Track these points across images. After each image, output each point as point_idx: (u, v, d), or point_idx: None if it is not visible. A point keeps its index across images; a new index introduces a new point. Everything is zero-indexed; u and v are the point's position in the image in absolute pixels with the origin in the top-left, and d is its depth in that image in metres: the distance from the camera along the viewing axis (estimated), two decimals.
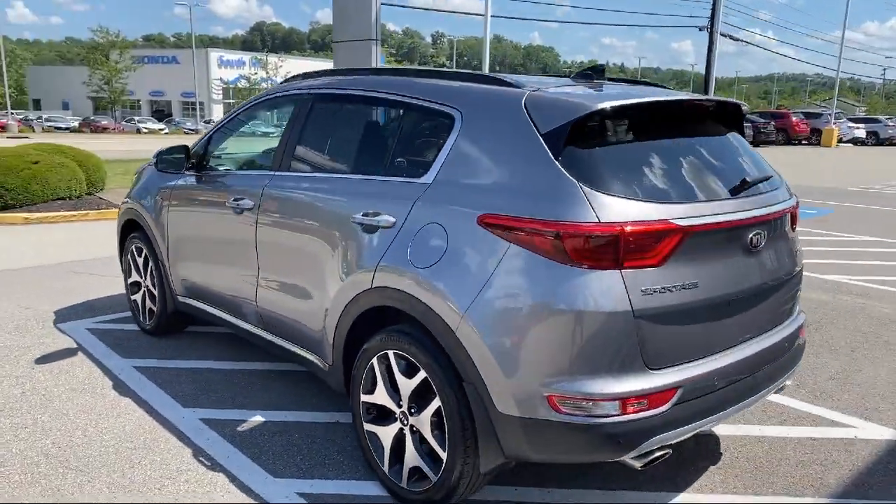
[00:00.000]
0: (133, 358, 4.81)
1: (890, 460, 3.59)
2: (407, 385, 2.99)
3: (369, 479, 3.28)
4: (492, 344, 2.64)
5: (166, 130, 52.00)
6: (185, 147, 4.58)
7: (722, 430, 3.87)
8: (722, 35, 30.52)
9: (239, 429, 3.82)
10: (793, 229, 3.30)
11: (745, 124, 3.55)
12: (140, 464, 3.43)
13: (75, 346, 5.05)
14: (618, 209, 2.55)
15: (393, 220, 3.07)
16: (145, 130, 49.99)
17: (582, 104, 2.71)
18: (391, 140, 3.39)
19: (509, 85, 3.01)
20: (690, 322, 2.71)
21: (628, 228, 2.51)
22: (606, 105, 2.70)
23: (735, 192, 2.91)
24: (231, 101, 67.11)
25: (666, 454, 2.75)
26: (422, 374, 2.90)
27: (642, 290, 2.54)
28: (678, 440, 2.76)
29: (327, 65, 56.51)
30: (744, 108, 3.43)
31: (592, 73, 3.30)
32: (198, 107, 65.07)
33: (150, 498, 3.14)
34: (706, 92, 27.22)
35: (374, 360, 3.12)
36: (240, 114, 4.58)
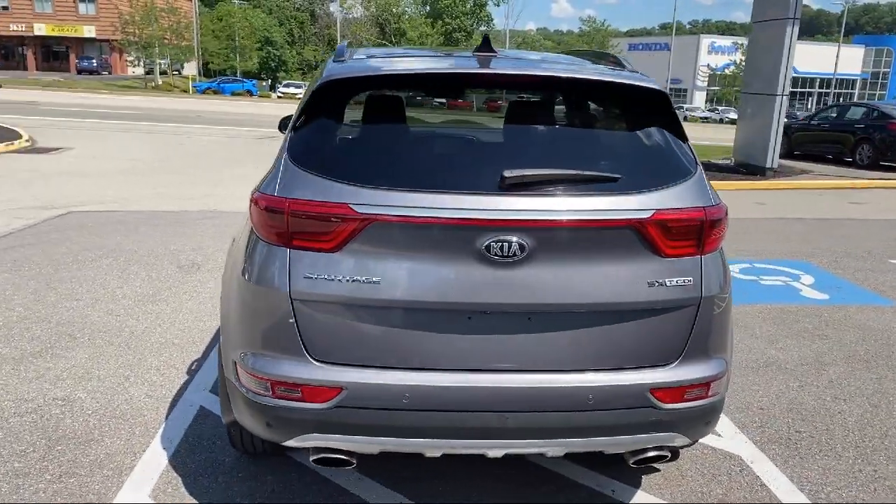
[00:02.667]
0: None
1: None
2: None
3: None
4: (222, 304, 2.81)
5: None
6: None
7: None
8: None
9: None
10: (662, 252, 2.43)
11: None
12: (134, 349, 4.42)
13: None
14: (300, 185, 2.41)
15: None
16: None
17: (328, 75, 2.58)
18: None
19: (337, 55, 2.94)
20: (367, 322, 2.38)
21: (292, 206, 2.37)
22: (338, 77, 2.52)
23: (502, 188, 2.35)
24: (715, 87, 65.40)
25: (349, 462, 2.52)
26: None
27: (307, 274, 2.37)
28: (358, 450, 2.50)
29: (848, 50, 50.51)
30: (615, 81, 2.61)
31: (481, 46, 2.94)
32: (688, 93, 65.49)
33: (114, 371, 4.08)
34: None
35: None
36: None
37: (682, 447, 2.75)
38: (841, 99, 51.08)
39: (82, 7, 61.26)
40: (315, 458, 2.53)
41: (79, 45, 62.64)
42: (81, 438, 3.39)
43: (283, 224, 2.39)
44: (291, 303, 2.39)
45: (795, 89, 66.07)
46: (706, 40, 68.28)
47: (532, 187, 2.36)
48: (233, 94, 52.47)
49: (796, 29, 15.06)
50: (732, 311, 2.77)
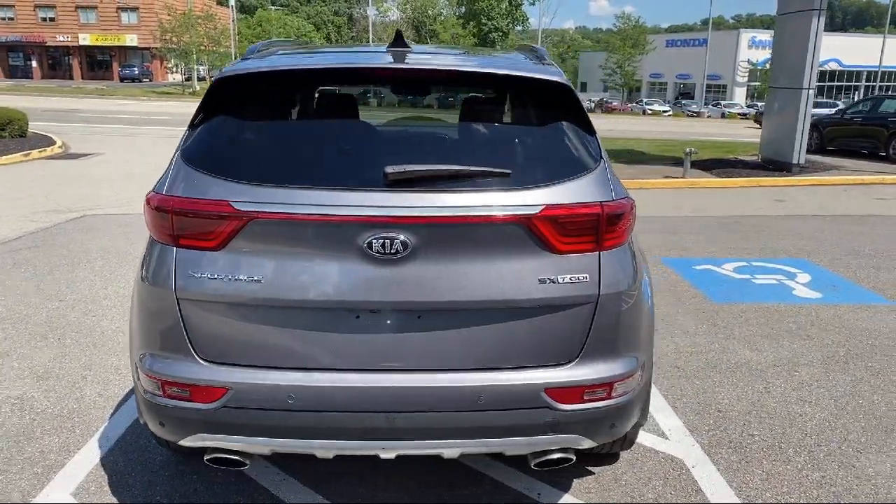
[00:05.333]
0: None
1: None
2: None
3: None
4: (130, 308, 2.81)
5: (670, 112, 52.76)
6: None
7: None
8: None
9: None
10: (554, 249, 2.34)
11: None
12: (100, 349, 4.47)
13: None
14: (187, 184, 2.40)
15: None
16: (650, 112, 51.68)
17: (221, 73, 2.58)
18: None
19: (247, 53, 2.93)
20: (252, 321, 2.37)
21: (176, 204, 2.37)
22: (229, 74, 2.53)
23: (385, 184, 2.30)
24: (756, 83, 63.92)
25: (242, 462, 2.52)
26: None
27: (191, 273, 2.37)
28: (248, 450, 2.49)
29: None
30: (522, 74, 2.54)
31: (394, 41, 2.90)
32: (728, 89, 64.30)
33: (74, 371, 4.15)
34: None
35: None
36: None
37: (590, 450, 2.68)
38: (889, 92, 49.58)
39: (125, 17, 63.01)
40: (208, 457, 2.52)
41: (121, 53, 64.42)
42: (22, 436, 3.44)
43: (169, 223, 2.39)
44: (178, 302, 2.38)
45: (841, 83, 64.21)
46: (746, 35, 66.61)
47: (416, 183, 2.31)
48: None
49: (822, 21, 14.61)
50: (649, 308, 2.69)
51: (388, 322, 2.37)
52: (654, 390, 4.02)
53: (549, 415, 2.41)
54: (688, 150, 14.06)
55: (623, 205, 2.46)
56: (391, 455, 2.51)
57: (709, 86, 66.38)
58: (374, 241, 2.26)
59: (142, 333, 2.54)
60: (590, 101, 56.71)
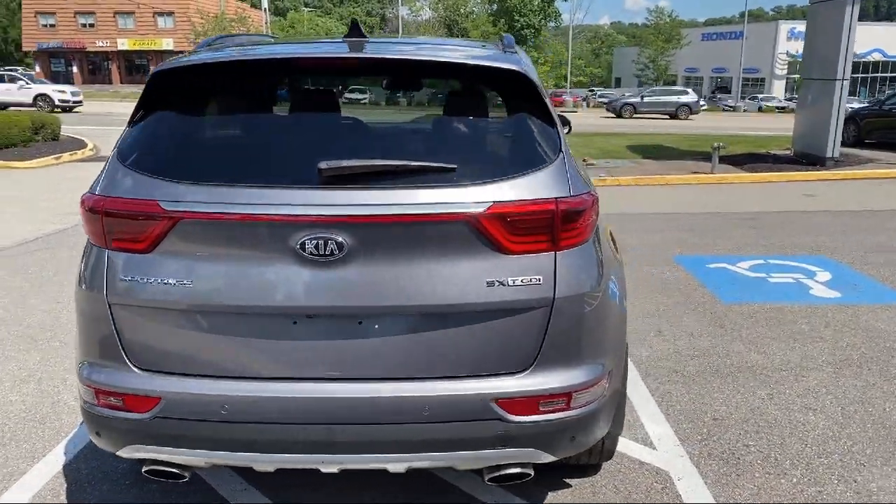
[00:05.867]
0: None
1: None
2: None
3: None
4: None
5: (704, 107, 51.36)
6: None
7: None
8: None
9: None
10: (505, 249, 2.17)
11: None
12: None
13: None
14: (118, 183, 2.29)
15: None
16: None
17: (156, 68, 2.47)
18: None
19: (198, 46, 2.82)
20: (183, 328, 2.24)
21: (106, 205, 2.26)
22: (165, 68, 2.40)
23: (320, 181, 2.16)
24: (795, 76, 62.30)
25: (180, 475, 2.40)
26: None
27: (122, 276, 2.26)
28: (184, 462, 2.37)
29: None
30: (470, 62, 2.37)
31: (349, 32, 2.75)
32: (766, 82, 62.83)
33: (56, 374, 4.09)
34: None
35: None
36: None
37: (565, 462, 2.50)
38: None
39: (161, 21, 64.06)
40: (145, 469, 2.42)
41: (158, 57, 65.31)
42: None
43: (100, 225, 2.28)
44: (109, 307, 2.28)
45: (885, 74, 62.19)
46: (785, 26, 64.81)
47: (353, 180, 2.17)
48: None
49: (857, 8, 14.07)
50: (617, 310, 2.51)
51: (327, 328, 2.23)
52: (646, 396, 3.83)
53: (501, 427, 2.24)
54: (716, 144, 13.68)
55: (583, 201, 2.28)
56: (333, 469, 2.37)
57: (746, 79, 64.77)
58: (307, 241, 2.12)
59: (80, 341, 2.45)
60: (623, 95, 55.80)
